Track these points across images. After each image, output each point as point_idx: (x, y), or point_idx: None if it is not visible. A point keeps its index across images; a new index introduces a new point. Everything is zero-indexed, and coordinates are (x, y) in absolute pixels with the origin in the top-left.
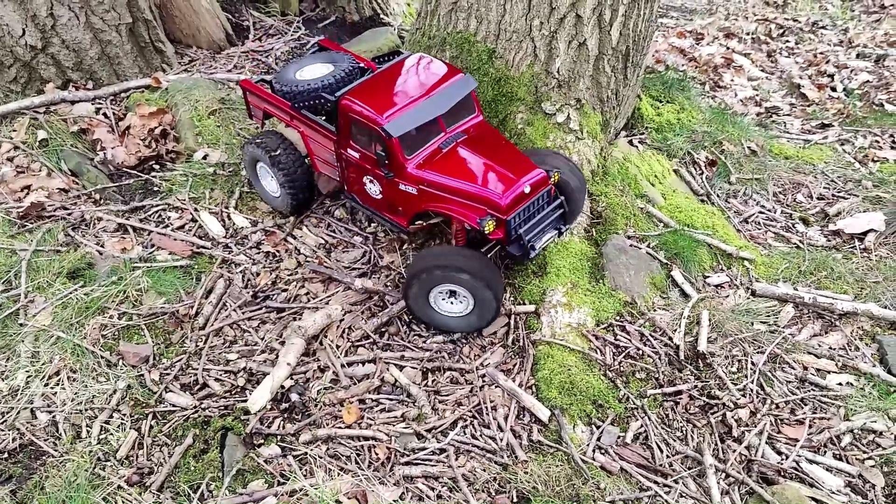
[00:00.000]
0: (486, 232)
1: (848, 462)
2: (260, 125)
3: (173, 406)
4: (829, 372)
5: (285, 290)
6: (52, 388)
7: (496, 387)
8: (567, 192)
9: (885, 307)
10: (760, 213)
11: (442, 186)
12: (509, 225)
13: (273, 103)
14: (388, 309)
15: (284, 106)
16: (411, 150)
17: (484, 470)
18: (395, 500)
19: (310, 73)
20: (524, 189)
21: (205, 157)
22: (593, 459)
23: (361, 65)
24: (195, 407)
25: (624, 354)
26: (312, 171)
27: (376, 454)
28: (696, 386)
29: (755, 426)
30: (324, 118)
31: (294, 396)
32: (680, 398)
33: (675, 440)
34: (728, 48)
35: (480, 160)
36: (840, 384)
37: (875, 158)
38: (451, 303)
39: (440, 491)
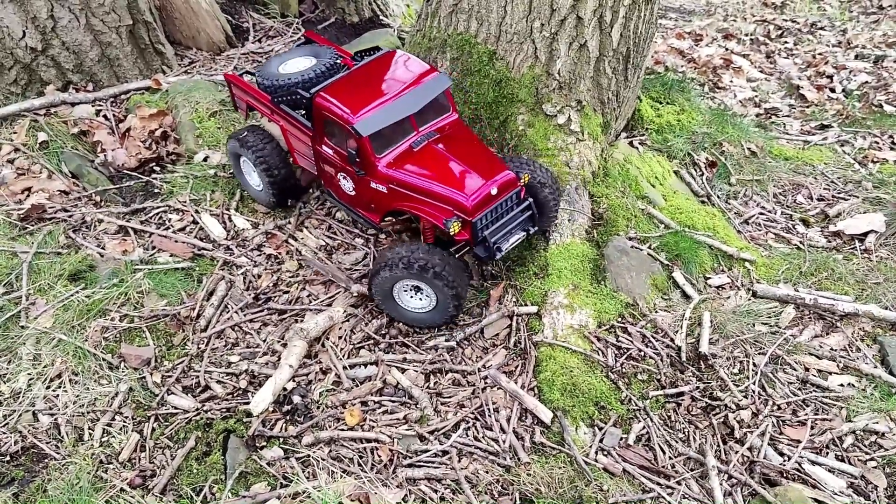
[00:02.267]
0: (452, 233)
1: (850, 463)
2: (244, 118)
3: (175, 408)
4: (830, 373)
5: (287, 292)
6: (53, 390)
7: (498, 388)
8: (538, 196)
9: (886, 308)
10: (761, 214)
11: (410, 186)
12: (475, 226)
13: (255, 97)
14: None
15: (265, 100)
16: (382, 148)
17: (487, 472)
18: (398, 503)
19: (292, 67)
20: (491, 190)
21: (205, 159)
22: (596, 461)
23: (346, 60)
24: (197, 409)
25: (626, 356)
26: (292, 164)
27: (379, 456)
28: (698, 387)
29: (757, 427)
30: (303, 113)
31: (296, 399)
32: (682, 399)
33: (677, 441)
34: (727, 49)
35: (450, 160)
36: (842, 385)
37: (875, 159)
38: (415, 298)
39: (443, 493)
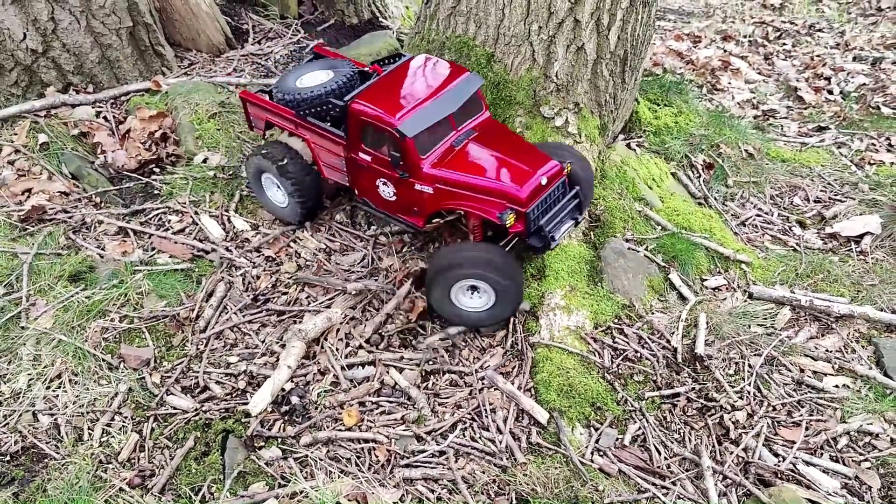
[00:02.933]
0: (507, 225)
1: (844, 464)
2: (262, 135)
3: (174, 409)
4: (825, 374)
5: (285, 293)
6: (53, 391)
7: (495, 389)
8: (578, 183)
9: (882, 310)
10: (757, 216)
11: (459, 183)
12: (528, 217)
13: (276, 112)
14: (383, 308)
15: (288, 114)
16: (425, 149)
17: (483, 472)
18: (395, 502)
19: (311, 80)
20: (541, 181)
21: (205, 161)
22: (592, 461)
23: (363, 69)
24: (196, 409)
25: (622, 357)
26: (320, 178)
27: (376, 456)
28: (693, 388)
29: (752, 428)
30: (329, 123)
31: (294, 399)
32: (678, 400)
33: (672, 442)
34: (725, 51)
35: (494, 155)
36: (836, 386)
37: (871, 161)
38: (472, 297)
39: (440, 493)
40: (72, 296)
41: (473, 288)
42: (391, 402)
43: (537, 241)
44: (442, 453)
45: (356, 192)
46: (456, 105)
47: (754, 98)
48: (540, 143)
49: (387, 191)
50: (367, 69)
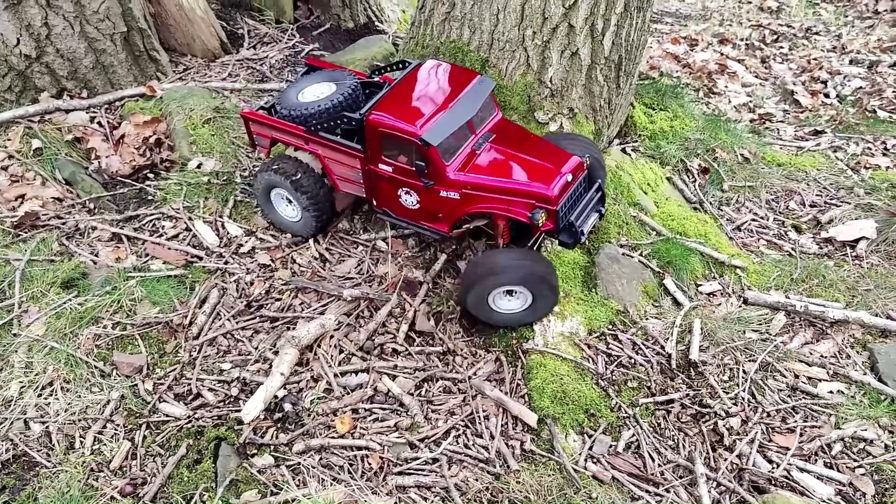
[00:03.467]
0: (539, 224)
1: (838, 470)
2: (266, 154)
3: (167, 416)
4: (820, 380)
5: (279, 300)
6: (45, 398)
7: (485, 397)
8: (596, 173)
9: (877, 315)
10: (753, 220)
11: (486, 187)
12: (558, 214)
13: (283, 129)
14: (377, 314)
15: (297, 130)
16: (449, 155)
17: (476, 479)
18: None
19: (313, 94)
20: (567, 178)
21: (199, 166)
22: (585, 469)
23: (363, 78)
24: (189, 417)
25: (616, 363)
26: (333, 190)
27: (369, 464)
28: (687, 394)
29: (746, 435)
30: (339, 136)
31: (287, 406)
32: (672, 407)
33: (666, 449)
34: (722, 54)
35: (516, 155)
36: (831, 392)
37: (867, 165)
38: (510, 300)
39: (433, 500)
40: (64, 302)
41: (510, 292)
42: (384, 409)
43: (567, 237)
44: (435, 460)
45: (374, 202)
46: (473, 109)
47: (751, 102)
48: (551, 135)
49: (409, 200)
50: (369, 79)
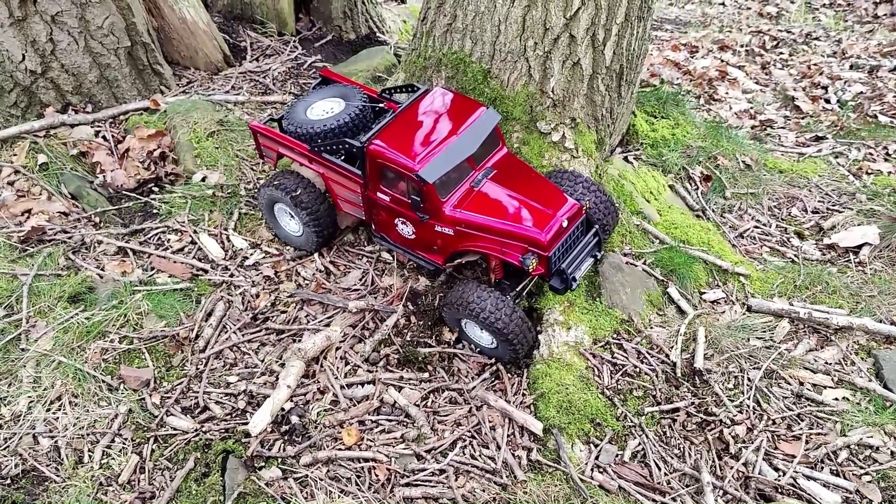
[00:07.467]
0: (530, 269)
1: (845, 478)
2: (273, 165)
3: (174, 429)
4: (825, 387)
5: (284, 312)
6: (53, 413)
7: (490, 407)
8: (597, 219)
9: (881, 321)
10: (756, 227)
11: (480, 226)
12: (550, 260)
13: (288, 146)
14: (382, 326)
15: (302, 148)
16: (446, 191)
17: (483, 490)
18: None
19: (320, 111)
20: (562, 223)
21: (203, 179)
22: (592, 478)
23: (373, 96)
24: (196, 430)
25: (621, 372)
26: (334, 207)
27: (376, 475)
28: (693, 403)
29: (752, 442)
30: (342, 158)
31: (294, 419)
32: (677, 415)
33: (672, 458)
34: (722, 61)
35: (514, 196)
36: (836, 399)
37: (869, 171)
38: (482, 333)
39: None
40: (71, 317)
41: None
42: (391, 420)
43: (558, 283)
44: (442, 472)
45: (373, 226)
46: (475, 145)
47: (752, 108)
48: (554, 171)
49: (406, 230)
50: (380, 97)
